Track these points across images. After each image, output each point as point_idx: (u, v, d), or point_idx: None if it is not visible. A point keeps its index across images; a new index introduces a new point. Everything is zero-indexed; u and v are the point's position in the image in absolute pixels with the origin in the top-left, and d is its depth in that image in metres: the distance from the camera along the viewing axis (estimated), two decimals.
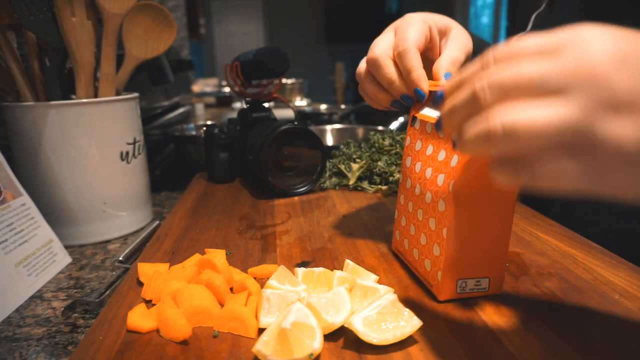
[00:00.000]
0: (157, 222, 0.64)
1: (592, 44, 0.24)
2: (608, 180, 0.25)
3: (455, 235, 0.37)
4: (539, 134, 0.24)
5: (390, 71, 0.44)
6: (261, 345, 0.31)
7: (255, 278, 0.43)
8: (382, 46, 0.45)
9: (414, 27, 0.44)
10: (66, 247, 0.56)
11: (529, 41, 0.26)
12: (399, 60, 0.43)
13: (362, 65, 0.47)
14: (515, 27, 4.55)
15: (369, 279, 0.41)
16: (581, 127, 0.23)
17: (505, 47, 0.26)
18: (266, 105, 0.80)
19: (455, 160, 0.36)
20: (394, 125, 1.17)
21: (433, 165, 0.40)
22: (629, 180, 0.24)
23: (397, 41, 0.44)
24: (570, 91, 0.24)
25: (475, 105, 0.26)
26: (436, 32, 0.46)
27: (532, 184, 0.26)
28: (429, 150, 0.41)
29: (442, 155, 0.38)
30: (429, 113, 0.41)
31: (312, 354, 0.31)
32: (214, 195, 0.73)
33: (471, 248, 0.38)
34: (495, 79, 0.25)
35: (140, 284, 0.43)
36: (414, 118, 0.45)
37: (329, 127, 1.11)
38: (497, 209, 0.37)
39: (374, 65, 0.45)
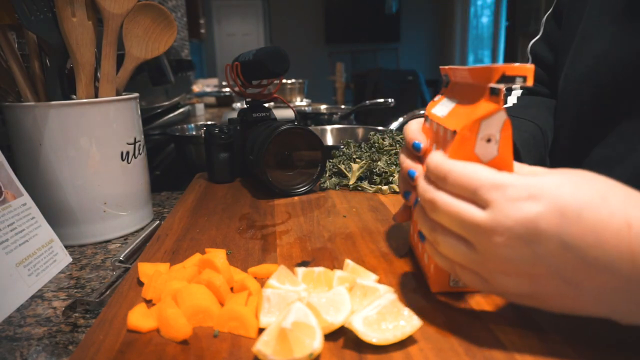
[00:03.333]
0: (157, 222, 0.64)
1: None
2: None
3: None
4: (454, 218, 0.32)
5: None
6: (261, 345, 0.31)
7: (255, 278, 0.43)
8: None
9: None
10: (67, 247, 0.57)
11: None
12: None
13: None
14: (515, 27, 4.55)
15: (369, 279, 0.41)
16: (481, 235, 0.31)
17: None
18: (266, 105, 0.80)
19: None
20: (394, 125, 1.17)
21: None
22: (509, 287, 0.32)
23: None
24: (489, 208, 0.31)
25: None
26: None
27: (434, 242, 0.35)
28: (434, 148, 0.42)
29: None
30: (439, 112, 0.42)
31: (312, 354, 0.31)
32: (214, 195, 0.73)
33: None
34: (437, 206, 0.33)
35: (141, 283, 0.43)
36: (426, 117, 0.45)
37: (329, 127, 1.11)
38: None
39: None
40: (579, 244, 0.28)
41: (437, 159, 0.34)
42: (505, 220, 0.29)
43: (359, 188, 0.74)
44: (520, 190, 0.29)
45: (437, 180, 0.33)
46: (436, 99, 0.46)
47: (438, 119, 0.40)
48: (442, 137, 0.39)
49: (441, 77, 0.46)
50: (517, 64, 0.33)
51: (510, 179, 0.30)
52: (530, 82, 0.32)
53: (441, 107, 0.42)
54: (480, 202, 0.31)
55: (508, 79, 0.32)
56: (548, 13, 0.74)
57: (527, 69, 0.32)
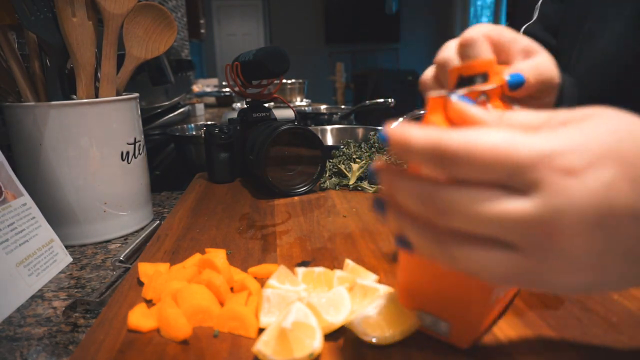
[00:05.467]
0: (157, 222, 0.64)
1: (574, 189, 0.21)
2: (545, 278, 0.24)
3: (404, 259, 0.33)
4: (484, 219, 0.22)
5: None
6: (261, 345, 0.31)
7: (255, 278, 0.43)
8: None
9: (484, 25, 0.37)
10: (67, 247, 0.57)
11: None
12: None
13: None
14: (515, 28, 4.54)
15: (369, 279, 0.41)
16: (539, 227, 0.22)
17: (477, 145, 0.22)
18: (266, 105, 0.80)
19: None
20: (394, 125, 1.17)
21: None
22: (573, 280, 0.24)
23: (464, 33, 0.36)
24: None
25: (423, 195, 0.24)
26: (516, 47, 0.37)
27: (446, 262, 0.25)
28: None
29: None
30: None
31: (312, 354, 0.31)
32: (214, 195, 0.73)
33: (428, 281, 0.32)
34: (453, 204, 0.23)
35: (141, 283, 0.43)
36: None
37: (329, 127, 1.11)
38: None
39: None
40: None
41: (431, 133, 0.23)
42: (567, 204, 0.21)
43: (359, 188, 0.74)
44: (576, 157, 0.21)
45: (441, 164, 0.23)
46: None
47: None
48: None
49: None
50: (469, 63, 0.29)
51: (552, 141, 0.22)
52: (496, 81, 0.29)
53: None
54: (522, 186, 0.22)
55: (466, 81, 0.29)
56: None
57: (485, 62, 0.29)
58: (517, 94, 0.34)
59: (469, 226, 0.23)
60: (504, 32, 0.36)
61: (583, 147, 0.22)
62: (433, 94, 0.27)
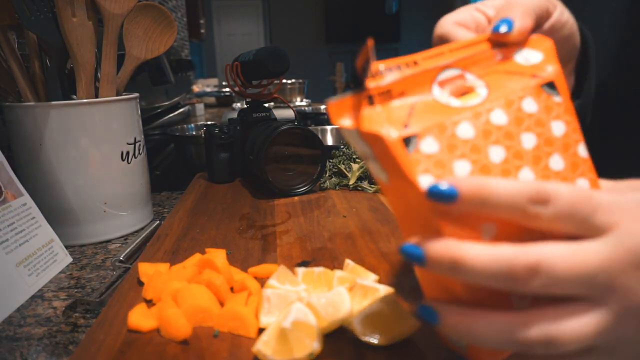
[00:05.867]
0: (157, 222, 0.64)
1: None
2: None
3: (425, 283, 0.31)
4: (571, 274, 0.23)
5: None
6: (261, 345, 0.31)
7: (255, 278, 0.43)
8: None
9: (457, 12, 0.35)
10: (67, 247, 0.57)
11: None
12: None
13: None
14: None
15: (369, 279, 0.41)
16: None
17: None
18: (266, 105, 0.80)
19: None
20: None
21: None
22: None
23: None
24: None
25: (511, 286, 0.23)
26: (490, 11, 0.34)
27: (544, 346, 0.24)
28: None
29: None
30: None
31: (312, 354, 0.31)
32: (214, 195, 0.73)
33: (447, 297, 0.29)
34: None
35: (141, 283, 0.43)
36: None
37: (329, 127, 1.11)
38: None
39: None
40: None
41: (517, 184, 0.24)
42: (631, 242, 0.23)
43: (359, 188, 0.74)
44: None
45: (530, 208, 0.23)
46: None
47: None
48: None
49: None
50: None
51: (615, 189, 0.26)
52: (377, 66, 0.25)
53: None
54: (593, 232, 0.24)
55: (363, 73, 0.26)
56: None
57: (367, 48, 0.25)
58: (519, 36, 0.31)
59: (557, 281, 0.23)
60: (464, 12, 0.35)
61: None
62: (333, 100, 0.26)
